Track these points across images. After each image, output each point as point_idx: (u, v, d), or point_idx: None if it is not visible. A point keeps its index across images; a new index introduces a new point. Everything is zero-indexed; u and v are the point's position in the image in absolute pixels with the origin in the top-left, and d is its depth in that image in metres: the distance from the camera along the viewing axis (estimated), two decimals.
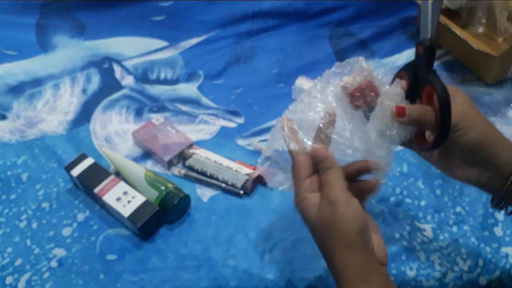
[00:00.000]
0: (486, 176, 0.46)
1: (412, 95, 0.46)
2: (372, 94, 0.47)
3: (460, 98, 0.45)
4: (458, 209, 0.65)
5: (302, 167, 0.45)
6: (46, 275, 0.58)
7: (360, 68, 0.47)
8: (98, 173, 0.65)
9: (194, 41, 0.94)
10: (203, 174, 0.69)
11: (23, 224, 0.63)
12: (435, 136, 0.43)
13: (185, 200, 0.64)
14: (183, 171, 0.69)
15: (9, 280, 0.57)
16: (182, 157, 0.71)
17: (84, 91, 0.84)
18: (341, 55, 0.91)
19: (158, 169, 0.71)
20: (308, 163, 0.45)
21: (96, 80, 0.86)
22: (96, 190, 0.63)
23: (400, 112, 0.45)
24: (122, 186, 0.63)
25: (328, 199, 0.42)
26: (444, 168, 0.49)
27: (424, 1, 0.44)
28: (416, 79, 0.46)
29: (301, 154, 0.45)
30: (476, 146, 0.44)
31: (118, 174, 0.67)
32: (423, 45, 0.44)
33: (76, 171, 0.65)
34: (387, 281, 0.42)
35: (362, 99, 0.47)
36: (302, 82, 0.80)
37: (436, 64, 0.88)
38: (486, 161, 0.45)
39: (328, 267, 0.43)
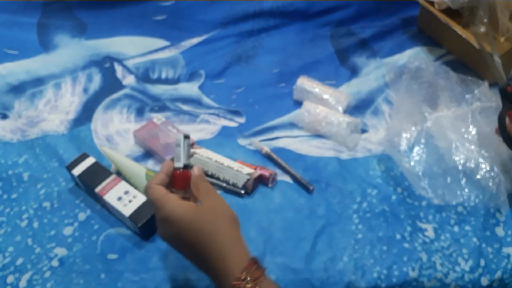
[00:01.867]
0: None
1: None
2: None
3: None
4: (460, 209, 0.65)
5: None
6: (47, 274, 0.58)
7: None
8: (99, 172, 0.65)
9: (195, 40, 0.94)
10: (204, 173, 0.69)
11: (24, 224, 0.63)
12: None
13: None
14: None
15: (10, 279, 0.57)
16: None
17: (85, 90, 0.84)
18: (342, 54, 0.91)
19: (159, 168, 0.70)
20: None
21: (97, 80, 0.86)
22: (97, 190, 0.63)
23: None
24: (123, 185, 0.63)
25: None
26: None
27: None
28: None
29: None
30: None
31: (119, 174, 0.67)
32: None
33: (77, 171, 0.65)
34: None
35: None
36: (304, 82, 0.80)
37: (437, 63, 0.88)
38: None
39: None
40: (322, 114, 0.75)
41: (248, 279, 0.42)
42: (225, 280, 0.43)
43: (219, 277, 0.44)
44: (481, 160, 0.66)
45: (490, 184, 0.64)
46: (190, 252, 0.46)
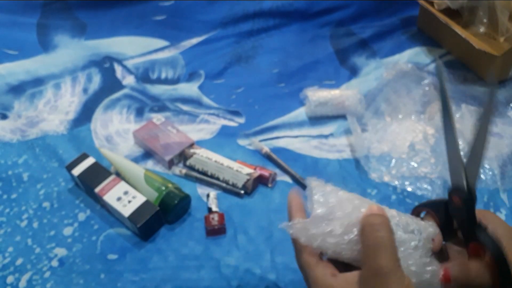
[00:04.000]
0: None
1: (444, 235, 0.39)
2: None
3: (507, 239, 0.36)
4: None
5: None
6: (47, 274, 0.58)
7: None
8: (99, 172, 0.65)
9: (195, 40, 0.94)
10: (204, 173, 0.69)
11: (24, 224, 0.63)
12: None
13: (186, 200, 0.64)
14: (184, 171, 0.69)
15: (10, 279, 0.57)
16: (183, 156, 0.71)
17: (85, 90, 0.84)
18: (342, 54, 0.91)
19: (159, 168, 0.71)
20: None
21: (97, 80, 0.86)
22: (96, 190, 0.63)
23: (446, 278, 0.36)
24: (122, 186, 0.63)
25: (375, 269, 0.31)
26: None
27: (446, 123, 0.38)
28: (448, 219, 0.39)
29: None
30: None
31: (119, 174, 0.67)
32: (459, 197, 0.37)
33: (77, 171, 0.65)
34: None
35: None
36: (314, 94, 0.79)
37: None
38: None
39: None
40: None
41: None
42: None
43: None
44: None
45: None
46: None
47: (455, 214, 0.38)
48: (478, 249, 0.36)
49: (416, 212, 0.42)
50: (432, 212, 0.40)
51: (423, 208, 0.41)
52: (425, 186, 0.67)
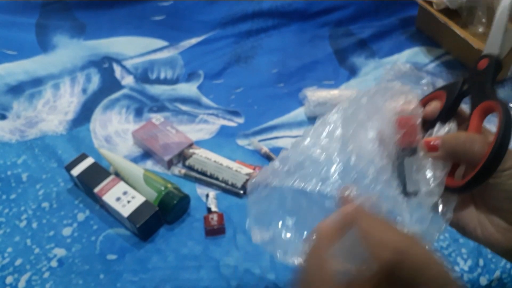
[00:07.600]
0: None
1: (445, 117, 0.37)
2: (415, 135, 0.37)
3: None
4: None
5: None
6: (46, 275, 0.58)
7: (406, 98, 0.38)
8: (98, 173, 0.65)
9: (194, 41, 0.94)
10: (203, 174, 0.69)
11: (23, 224, 0.63)
12: (475, 173, 0.32)
13: (185, 200, 0.64)
14: (183, 171, 0.69)
15: (9, 280, 0.57)
16: (182, 157, 0.71)
17: (84, 91, 0.84)
18: (341, 55, 0.91)
19: (158, 168, 0.71)
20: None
21: (96, 80, 0.86)
22: (96, 190, 0.63)
23: (430, 147, 0.35)
24: (122, 186, 0.63)
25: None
26: (462, 221, 0.36)
27: None
28: (455, 101, 0.37)
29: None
30: None
31: (118, 174, 0.67)
32: (489, 59, 0.36)
33: (76, 171, 0.65)
34: None
35: (408, 138, 0.37)
36: (314, 95, 0.79)
37: (436, 63, 0.88)
38: None
39: None
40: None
41: None
42: None
43: None
44: None
45: None
46: None
47: (473, 79, 0.37)
48: (490, 107, 0.34)
49: (434, 96, 0.39)
50: (443, 92, 0.38)
51: (439, 92, 0.39)
52: None
